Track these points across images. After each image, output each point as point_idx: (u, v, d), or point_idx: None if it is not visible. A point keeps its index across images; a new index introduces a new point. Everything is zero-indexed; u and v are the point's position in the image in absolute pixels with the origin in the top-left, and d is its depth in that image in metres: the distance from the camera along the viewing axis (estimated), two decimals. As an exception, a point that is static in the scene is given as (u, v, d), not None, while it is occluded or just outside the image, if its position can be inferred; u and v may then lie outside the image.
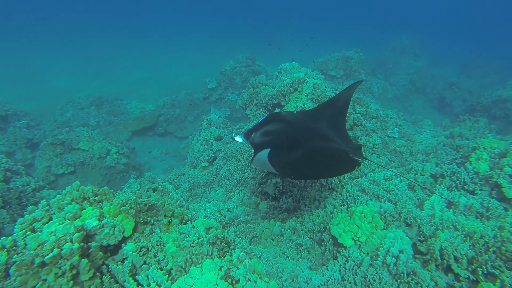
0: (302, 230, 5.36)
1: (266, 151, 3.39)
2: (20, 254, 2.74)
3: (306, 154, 3.45)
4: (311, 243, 5.08)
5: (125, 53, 24.61)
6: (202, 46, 26.68)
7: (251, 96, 9.42)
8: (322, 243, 4.93)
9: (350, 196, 5.68)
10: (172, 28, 34.55)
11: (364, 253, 4.34)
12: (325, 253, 4.81)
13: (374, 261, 4.03)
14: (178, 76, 20.14)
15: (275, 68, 18.04)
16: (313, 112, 4.35)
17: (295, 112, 4.81)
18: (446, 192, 5.18)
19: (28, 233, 2.97)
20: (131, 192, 4.16)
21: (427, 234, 4.27)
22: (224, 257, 3.13)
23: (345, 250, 4.47)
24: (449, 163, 6.41)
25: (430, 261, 3.96)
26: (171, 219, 3.60)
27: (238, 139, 3.78)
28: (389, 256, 3.90)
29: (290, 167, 3.40)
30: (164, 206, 3.97)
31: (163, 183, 6.71)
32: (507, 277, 3.52)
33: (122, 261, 3.06)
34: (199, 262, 2.95)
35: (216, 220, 4.42)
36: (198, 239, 3.25)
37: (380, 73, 17.97)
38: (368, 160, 5.54)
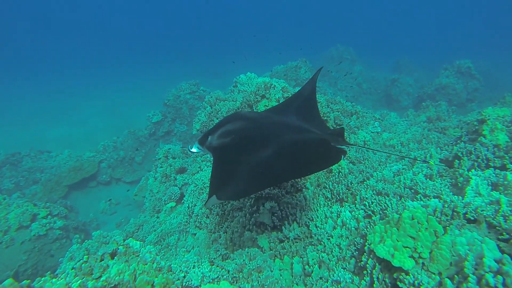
0: (330, 261, 3.94)
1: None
2: None
3: (279, 150, 2.84)
4: (350, 276, 3.68)
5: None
6: (140, 82, 24.56)
7: (210, 116, 8.03)
8: (366, 272, 3.56)
9: (372, 203, 4.48)
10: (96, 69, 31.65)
11: (435, 274, 3.07)
12: (375, 286, 3.43)
13: (464, 285, 2.76)
14: (115, 116, 17.78)
15: (223, 90, 17.37)
16: (278, 107, 3.99)
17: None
18: (481, 173, 4.26)
19: None
20: (73, 269, 2.37)
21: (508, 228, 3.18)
22: None
23: (406, 275, 3.16)
24: (453, 144, 5.65)
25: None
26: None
27: (194, 149, 3.34)
28: (487, 272, 2.67)
29: (262, 170, 2.69)
30: (136, 278, 2.30)
31: (123, 240, 4.77)
32: None
33: None
34: None
35: (222, 277, 2.83)
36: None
37: (324, 80, 18.05)
38: (356, 145, 4.54)
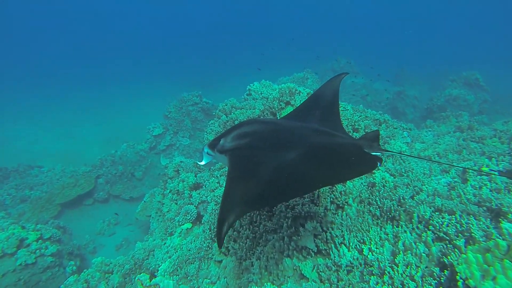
0: (410, 299, 3.13)
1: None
2: None
3: (306, 154, 2.45)
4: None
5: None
6: (137, 93, 23.61)
7: (226, 125, 7.26)
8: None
9: (442, 223, 3.73)
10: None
11: None
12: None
13: None
14: (111, 129, 16.77)
15: (222, 102, 16.67)
16: (296, 112, 3.62)
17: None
18: None
19: None
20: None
21: None
22: None
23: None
24: (506, 154, 5.02)
25: None
26: None
27: (203, 162, 3.09)
28: None
29: (288, 175, 2.27)
30: None
31: (149, 279, 3.85)
32: None
33: None
34: None
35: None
36: None
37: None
38: (394, 153, 3.72)
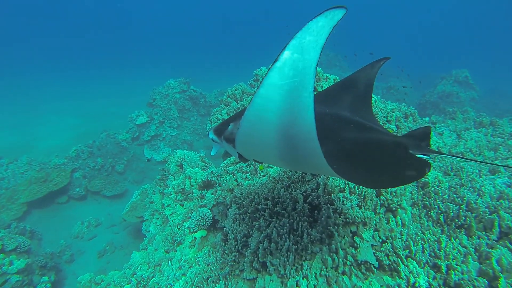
0: None
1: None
2: None
3: (337, 150, 2.00)
4: None
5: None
6: (116, 78, 21.48)
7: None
8: None
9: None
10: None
11: None
12: None
13: None
14: (88, 117, 14.85)
15: (211, 92, 15.43)
16: (322, 97, 2.96)
17: None
18: None
19: None
20: None
21: None
22: None
23: None
24: None
25: None
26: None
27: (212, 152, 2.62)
28: None
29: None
30: None
31: None
32: None
33: None
34: None
35: None
36: None
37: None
38: (451, 156, 2.72)
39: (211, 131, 2.44)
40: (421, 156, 2.11)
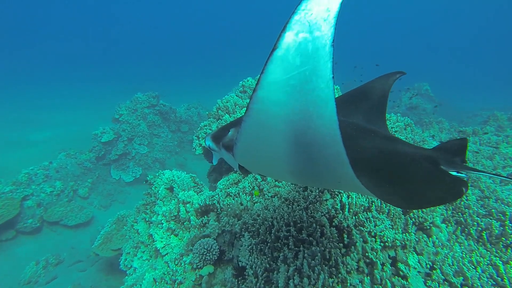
0: None
1: None
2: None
3: (358, 161, 1.62)
4: None
5: None
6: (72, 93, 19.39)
7: (228, 128, 5.59)
8: None
9: None
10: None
11: None
12: None
13: None
14: (42, 130, 12.95)
15: (180, 107, 14.54)
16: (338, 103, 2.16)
17: None
18: None
19: None
20: None
21: None
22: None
23: None
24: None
25: None
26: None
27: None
28: None
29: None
30: None
31: None
32: None
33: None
34: None
35: None
36: None
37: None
38: (485, 173, 2.08)
39: (209, 137, 2.13)
40: (454, 173, 1.82)
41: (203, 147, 6.02)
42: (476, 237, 3.39)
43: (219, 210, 4.35)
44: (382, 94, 2.79)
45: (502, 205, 3.67)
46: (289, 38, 0.94)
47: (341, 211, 3.67)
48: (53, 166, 8.99)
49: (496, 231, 3.24)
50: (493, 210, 3.55)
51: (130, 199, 9.66)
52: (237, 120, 2.14)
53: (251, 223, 3.82)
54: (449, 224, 3.67)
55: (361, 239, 3.31)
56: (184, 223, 4.38)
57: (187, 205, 4.45)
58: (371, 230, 3.36)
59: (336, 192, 4.00)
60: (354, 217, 3.63)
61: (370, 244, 3.26)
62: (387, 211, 3.66)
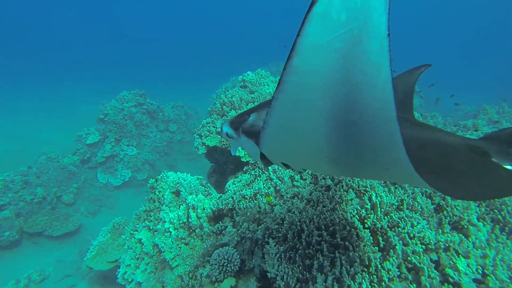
0: None
1: None
2: None
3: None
4: None
5: None
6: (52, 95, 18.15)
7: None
8: None
9: None
10: None
11: None
12: None
13: None
14: (19, 133, 11.90)
15: (166, 105, 13.94)
16: None
17: None
18: None
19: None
20: None
21: None
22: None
23: None
24: None
25: None
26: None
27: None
28: None
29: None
30: None
31: None
32: None
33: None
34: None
35: None
36: None
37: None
38: None
39: (226, 124, 1.95)
40: (510, 167, 1.61)
41: (206, 146, 5.60)
42: (515, 235, 3.20)
43: (234, 215, 3.97)
44: (408, 90, 2.64)
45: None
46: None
47: (372, 211, 3.40)
48: (32, 171, 8.20)
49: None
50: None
51: (120, 204, 9.03)
52: (259, 106, 1.96)
53: (276, 228, 3.46)
54: (485, 223, 3.49)
55: (400, 241, 3.05)
56: (196, 231, 3.96)
57: (198, 210, 4.03)
58: (409, 231, 3.11)
59: (362, 191, 3.74)
60: (385, 217, 3.38)
61: (411, 247, 3.00)
62: (420, 209, 3.43)
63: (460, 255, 2.97)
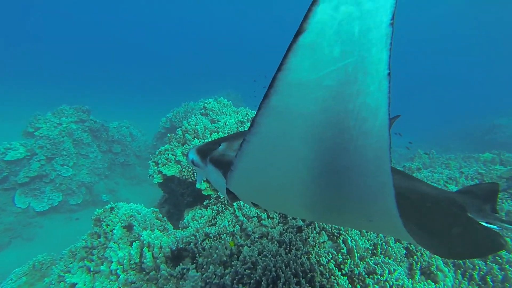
0: None
1: None
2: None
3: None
4: None
5: None
6: None
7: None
8: None
9: None
10: None
11: None
12: None
13: None
14: None
15: (110, 124, 12.78)
16: None
17: None
18: None
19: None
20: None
21: None
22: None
23: None
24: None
25: None
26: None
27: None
28: None
29: None
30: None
31: None
32: None
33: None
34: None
35: None
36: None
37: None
38: None
39: (193, 150, 1.81)
40: (484, 223, 1.62)
41: (163, 175, 5.07)
42: (479, 282, 3.35)
43: (197, 255, 3.49)
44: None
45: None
46: (324, 14, 0.66)
47: (348, 256, 3.28)
48: None
49: (500, 276, 3.25)
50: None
51: (42, 234, 7.60)
52: (231, 136, 1.86)
53: (247, 273, 3.10)
54: (449, 268, 3.60)
55: (382, 291, 2.94)
56: (150, 273, 3.36)
57: (155, 249, 3.47)
58: (388, 279, 3.04)
59: (335, 233, 3.63)
60: (361, 262, 3.28)
61: (392, 297, 2.91)
62: (394, 254, 3.42)
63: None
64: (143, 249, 3.48)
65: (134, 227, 3.78)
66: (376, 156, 0.88)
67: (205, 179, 4.72)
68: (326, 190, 1.10)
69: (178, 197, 5.47)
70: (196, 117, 5.58)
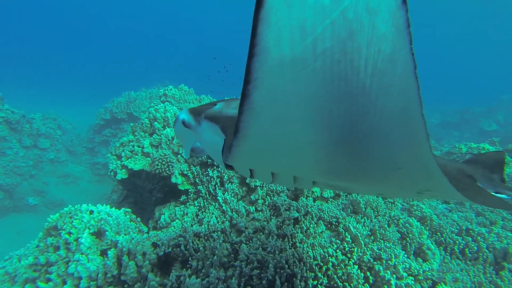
0: None
1: None
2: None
3: None
4: None
5: None
6: None
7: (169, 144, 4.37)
8: None
9: None
10: None
11: None
12: None
13: None
14: None
15: (33, 115, 10.83)
16: None
17: None
18: None
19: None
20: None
21: None
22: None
23: None
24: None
25: None
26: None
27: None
28: None
29: None
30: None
31: None
32: None
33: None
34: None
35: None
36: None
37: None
38: None
39: (185, 110, 1.68)
40: (493, 193, 1.57)
41: (128, 170, 4.37)
42: (459, 255, 3.60)
43: (190, 259, 3.02)
44: None
45: (466, 222, 4.14)
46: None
47: (353, 244, 3.21)
48: None
49: (475, 248, 3.54)
50: (463, 226, 3.93)
51: None
52: (221, 100, 1.68)
53: (256, 273, 2.78)
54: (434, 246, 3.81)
55: (394, 275, 2.93)
56: (135, 286, 2.79)
57: (138, 256, 2.89)
58: (396, 263, 3.05)
59: (333, 222, 3.53)
60: (367, 249, 3.24)
61: (405, 280, 2.92)
62: (393, 238, 3.47)
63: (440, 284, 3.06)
64: (123, 258, 2.87)
65: (106, 232, 3.11)
66: (403, 107, 0.77)
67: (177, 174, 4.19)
68: (348, 154, 0.99)
69: (143, 194, 4.79)
70: (164, 104, 4.93)
